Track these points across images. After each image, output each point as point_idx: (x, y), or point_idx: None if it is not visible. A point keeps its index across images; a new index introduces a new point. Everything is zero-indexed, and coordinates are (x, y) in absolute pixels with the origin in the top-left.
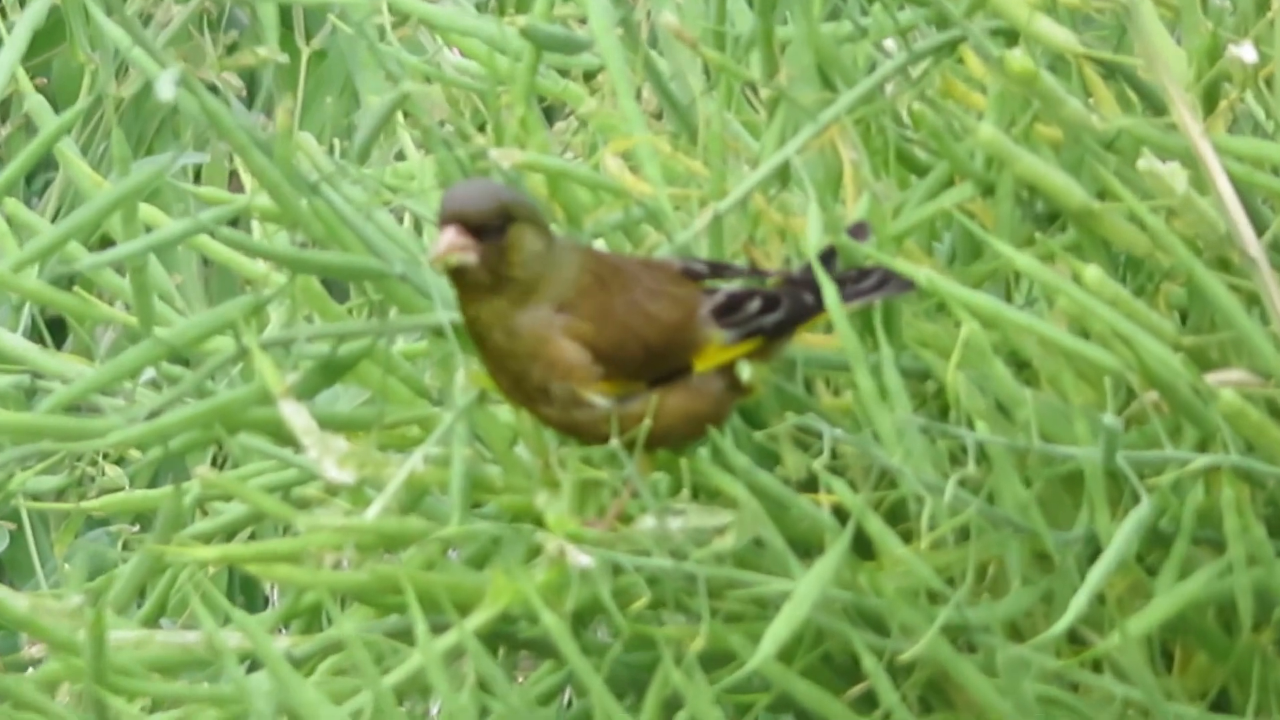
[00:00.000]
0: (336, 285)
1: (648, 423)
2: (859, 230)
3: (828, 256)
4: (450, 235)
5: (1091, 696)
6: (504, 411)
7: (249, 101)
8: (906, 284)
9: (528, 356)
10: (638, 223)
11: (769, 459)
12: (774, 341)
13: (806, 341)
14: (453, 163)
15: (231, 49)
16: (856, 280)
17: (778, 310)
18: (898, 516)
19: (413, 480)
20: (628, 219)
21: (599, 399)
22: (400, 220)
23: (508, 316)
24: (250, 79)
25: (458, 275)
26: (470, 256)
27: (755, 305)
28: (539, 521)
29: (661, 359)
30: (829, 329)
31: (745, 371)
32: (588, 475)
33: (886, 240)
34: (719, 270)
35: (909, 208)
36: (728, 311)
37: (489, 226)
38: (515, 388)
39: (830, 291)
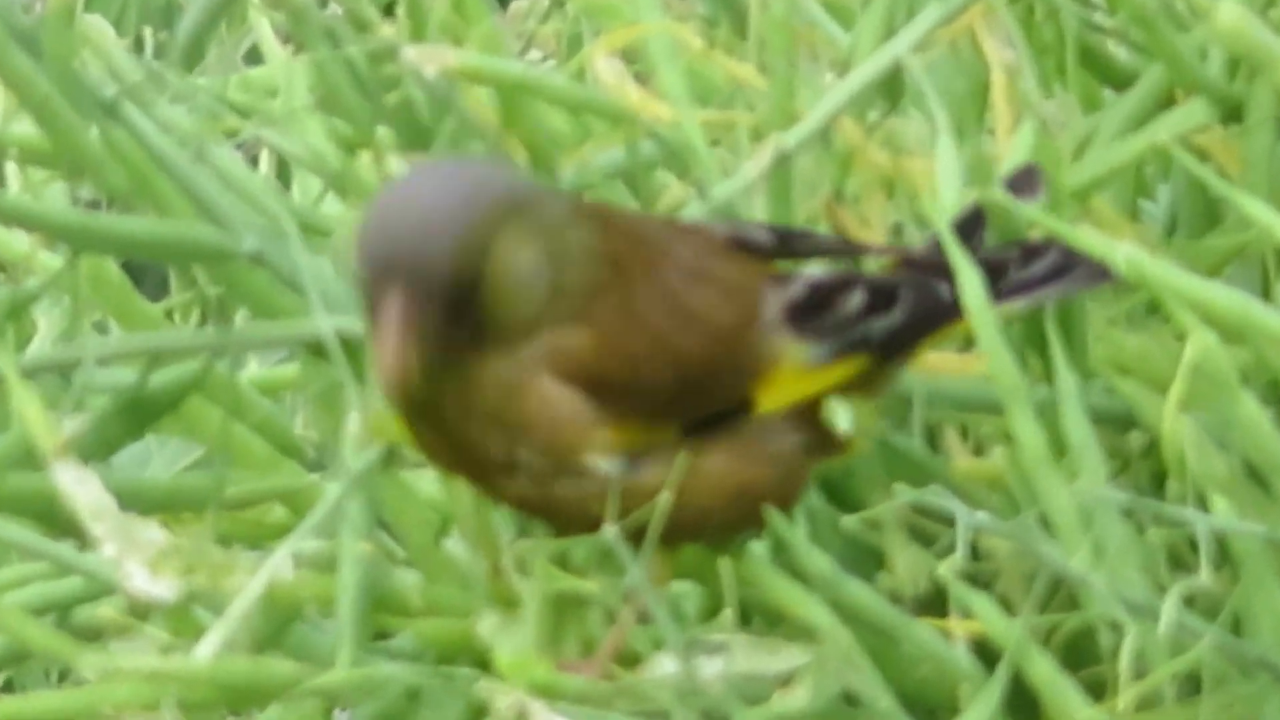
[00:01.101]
0: (148, 271)
1: (665, 497)
2: (1021, 180)
3: (968, 225)
4: (395, 319)
5: None
6: (427, 479)
7: None
8: (1097, 271)
9: (487, 417)
10: (650, 167)
11: (867, 560)
12: (888, 362)
13: (929, 365)
14: (340, 68)
15: None
16: (1019, 263)
17: (894, 308)
18: (1082, 655)
19: (275, 595)
20: (632, 161)
21: (601, 462)
22: (253, 162)
23: (480, 369)
24: None
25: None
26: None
27: (857, 300)
28: (483, 663)
29: (702, 389)
30: (968, 345)
31: (841, 416)
32: (565, 586)
33: (1064, 197)
34: (790, 242)
35: (1099, 143)
36: (811, 311)
37: (459, 283)
38: (457, 458)
39: (972, 281)
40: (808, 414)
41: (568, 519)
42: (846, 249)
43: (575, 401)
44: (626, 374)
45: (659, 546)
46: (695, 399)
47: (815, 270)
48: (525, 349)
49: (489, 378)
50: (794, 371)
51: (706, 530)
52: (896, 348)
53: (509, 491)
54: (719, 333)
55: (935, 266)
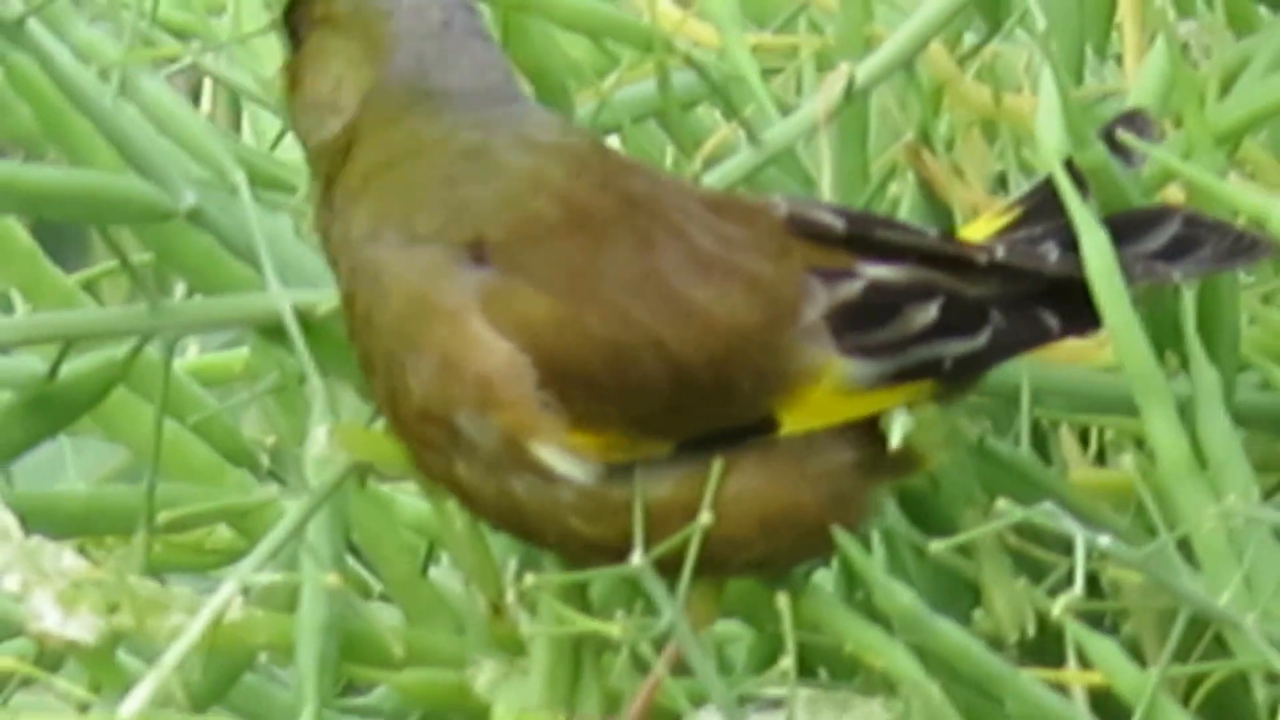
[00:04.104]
0: (62, 235)
1: (705, 519)
2: (1136, 123)
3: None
4: None
5: None
6: (409, 494)
7: None
8: (1247, 243)
9: (396, 333)
10: (688, 105)
11: (960, 596)
12: (958, 385)
13: (1040, 351)
14: None
15: None
16: (1140, 233)
17: (979, 333)
18: (1231, 714)
19: (220, 638)
20: (665, 97)
21: (567, 464)
22: (194, 98)
23: (339, 227)
24: None
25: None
26: None
27: (927, 315)
28: None
29: (704, 400)
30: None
31: (896, 431)
32: (582, 628)
33: (1204, 142)
34: (866, 232)
35: (1252, 74)
36: (865, 318)
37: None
38: (390, 406)
39: (1098, 243)
40: (863, 429)
41: (538, 532)
42: (944, 254)
43: (513, 363)
44: (588, 365)
45: (699, 581)
46: (694, 411)
47: (884, 268)
48: (420, 251)
49: (389, 272)
50: (833, 392)
51: (737, 565)
52: (967, 373)
53: (457, 479)
54: (729, 335)
55: (1028, 272)
